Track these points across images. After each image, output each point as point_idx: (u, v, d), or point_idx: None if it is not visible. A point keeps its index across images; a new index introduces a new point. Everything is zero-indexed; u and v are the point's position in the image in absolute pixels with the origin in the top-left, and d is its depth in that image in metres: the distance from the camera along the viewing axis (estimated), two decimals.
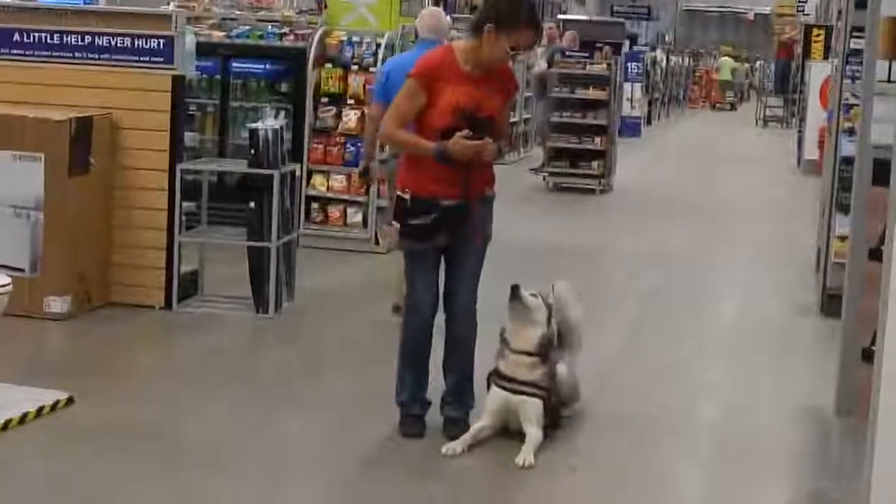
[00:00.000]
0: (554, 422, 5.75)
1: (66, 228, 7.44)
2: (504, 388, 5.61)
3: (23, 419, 5.65)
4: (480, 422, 5.64)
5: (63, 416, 5.81)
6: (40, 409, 5.77)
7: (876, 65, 5.76)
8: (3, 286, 5.77)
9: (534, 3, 5.87)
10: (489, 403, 5.68)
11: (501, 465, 5.49)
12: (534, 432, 5.50)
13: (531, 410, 5.55)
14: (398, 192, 5.70)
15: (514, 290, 5.64)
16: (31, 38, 8.48)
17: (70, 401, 5.90)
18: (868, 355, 5.54)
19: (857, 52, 7.97)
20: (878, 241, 5.51)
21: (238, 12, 12.09)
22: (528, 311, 5.66)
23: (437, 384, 5.87)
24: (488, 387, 5.74)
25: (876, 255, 5.59)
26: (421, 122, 5.57)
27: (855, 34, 8.04)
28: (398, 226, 5.64)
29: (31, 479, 5.17)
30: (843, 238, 7.73)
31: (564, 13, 27.42)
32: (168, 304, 8.04)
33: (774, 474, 5.62)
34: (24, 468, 5.27)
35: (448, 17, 9.41)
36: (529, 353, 5.62)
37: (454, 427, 5.69)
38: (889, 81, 5.60)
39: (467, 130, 5.36)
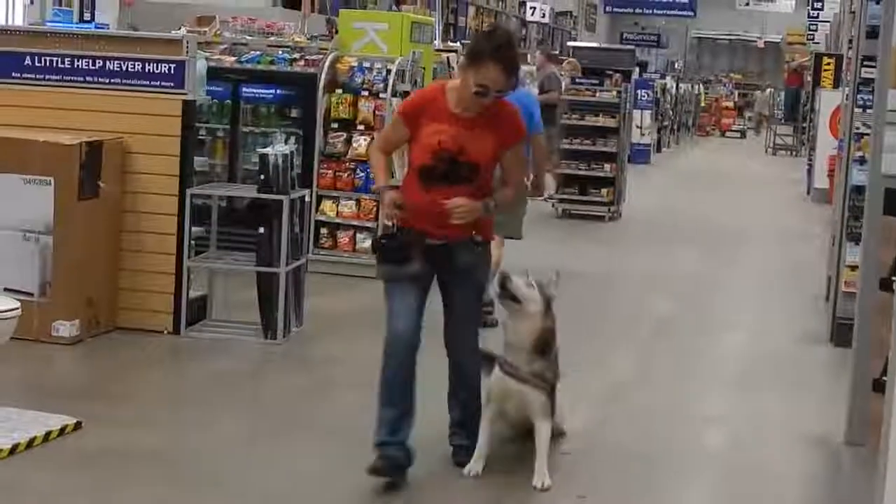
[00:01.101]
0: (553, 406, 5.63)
1: (74, 252, 7.43)
2: (507, 374, 5.47)
3: (30, 443, 5.63)
4: (485, 415, 5.56)
5: (71, 441, 5.80)
6: (48, 434, 5.76)
7: (888, 94, 5.74)
8: (12, 310, 5.78)
9: (508, 38, 5.36)
10: (492, 388, 5.58)
11: (508, 488, 5.51)
12: (544, 428, 5.45)
13: (536, 401, 5.45)
14: (385, 222, 5.62)
15: (504, 282, 5.40)
16: (43, 62, 8.50)
17: (78, 425, 5.89)
18: (879, 385, 5.52)
19: (868, 82, 7.95)
20: (889, 270, 5.49)
21: (249, 38, 12.17)
22: (521, 304, 5.42)
23: (430, 419, 5.74)
24: (489, 372, 5.68)
25: (887, 285, 5.57)
26: (410, 155, 5.43)
27: (866, 63, 8.03)
28: (377, 252, 5.50)
29: (38, 503, 5.17)
30: (853, 267, 7.71)
31: (574, 40, 27.41)
32: (176, 329, 8.03)
33: (784, 502, 5.63)
34: (31, 492, 5.26)
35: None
36: (526, 348, 5.44)
37: (463, 454, 5.59)
38: None
39: (397, 195, 5.25)
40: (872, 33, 7.50)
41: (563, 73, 18.08)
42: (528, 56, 10.93)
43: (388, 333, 5.38)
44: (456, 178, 5.14)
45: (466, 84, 5.16)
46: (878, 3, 7.44)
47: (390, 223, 5.36)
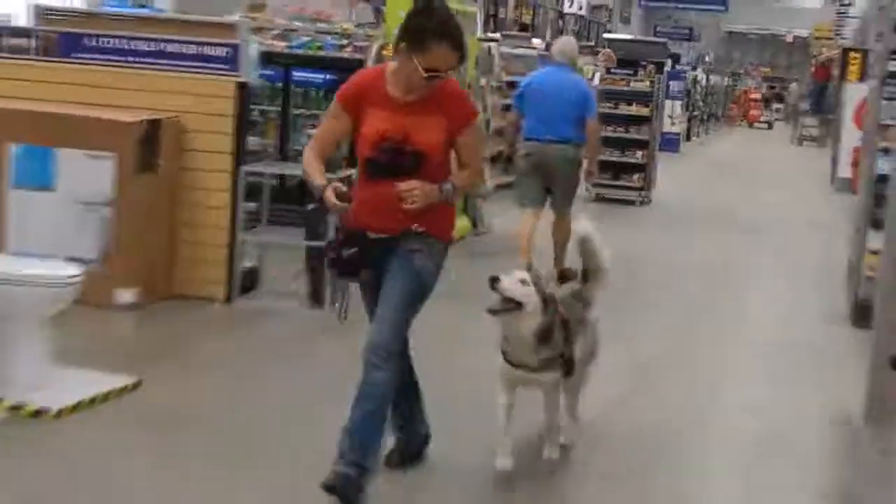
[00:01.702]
0: (570, 370, 5.31)
1: (133, 224, 7.55)
2: (516, 367, 5.06)
3: (92, 401, 5.74)
4: (500, 403, 5.14)
5: (130, 399, 5.91)
6: (108, 393, 5.87)
7: None
8: (75, 277, 5.86)
9: (447, 11, 4.66)
10: (501, 376, 5.15)
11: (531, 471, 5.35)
12: (554, 402, 5.31)
13: (549, 382, 5.17)
14: (336, 225, 4.95)
15: (493, 282, 4.80)
16: (104, 43, 8.59)
17: (136, 385, 6.00)
18: (895, 363, 5.55)
19: (894, 75, 7.94)
20: None
21: (299, 24, 12.21)
22: (518, 306, 4.87)
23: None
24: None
25: None
26: (356, 145, 4.74)
27: (893, 57, 8.00)
28: (330, 255, 4.78)
29: (99, 456, 5.25)
30: (875, 252, 7.72)
31: (610, 32, 27.35)
32: (228, 298, 8.16)
33: (804, 481, 5.63)
34: (92, 447, 5.35)
35: (574, 43, 11.01)
36: (527, 342, 4.97)
37: (336, 485, 4.52)
38: None
39: (338, 185, 4.46)
40: None
41: (598, 63, 18.10)
42: (559, 43, 11.03)
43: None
44: (401, 169, 4.47)
45: (412, 69, 4.46)
46: None
47: (335, 228, 4.85)
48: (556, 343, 5.08)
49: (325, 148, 4.80)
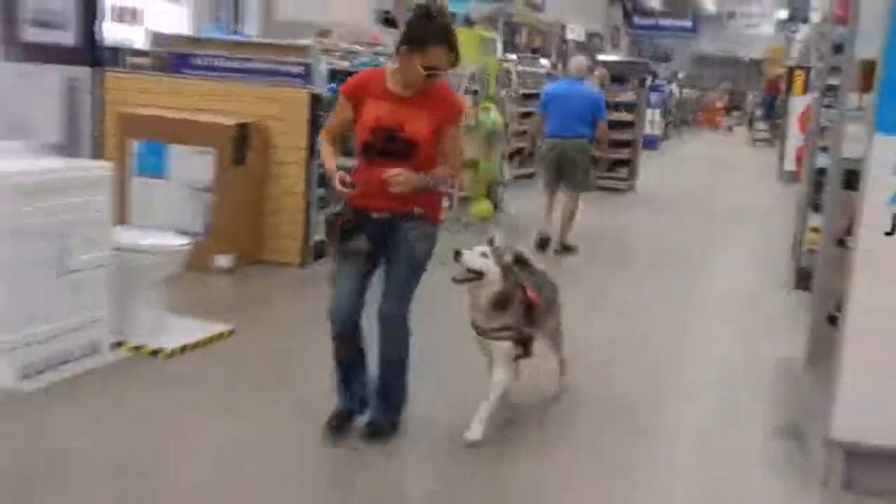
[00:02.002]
0: (527, 352, 4.85)
1: (228, 205, 7.56)
2: (478, 333, 4.66)
3: (196, 344, 5.79)
4: (498, 375, 4.69)
5: (225, 344, 5.95)
6: (209, 338, 5.91)
7: (847, 95, 5.71)
8: (184, 245, 5.90)
9: (445, 20, 4.32)
10: (474, 340, 4.75)
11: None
12: (498, 375, 4.64)
13: (496, 350, 4.64)
14: (338, 202, 4.52)
15: (456, 256, 4.45)
16: (205, 61, 8.63)
17: (230, 333, 6.04)
18: (832, 320, 5.51)
19: (833, 87, 7.87)
20: (843, 233, 5.46)
21: (359, 47, 12.18)
22: (478, 275, 4.50)
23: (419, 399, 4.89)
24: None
25: (841, 243, 5.55)
26: (356, 133, 4.40)
27: (832, 73, 7.95)
28: (326, 229, 4.49)
29: (200, 386, 5.32)
30: (815, 230, 7.67)
31: (603, 54, 27.17)
32: (303, 264, 8.17)
33: (748, 411, 5.57)
34: (195, 381, 5.40)
35: (585, 62, 11.24)
36: (485, 308, 4.56)
37: (369, 433, 4.56)
38: (858, 110, 5.53)
39: (343, 174, 4.20)
40: (838, 49, 7.42)
41: (594, 79, 18.02)
42: (574, 61, 11.23)
43: (330, 301, 4.51)
44: (394, 153, 4.21)
45: (412, 67, 4.17)
46: (843, 25, 7.37)
47: (339, 203, 4.46)
48: (513, 315, 4.61)
49: (334, 135, 4.51)
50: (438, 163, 4.38)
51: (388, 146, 4.21)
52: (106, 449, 4.36)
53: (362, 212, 4.31)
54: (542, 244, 9.87)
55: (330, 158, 4.40)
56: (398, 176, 4.15)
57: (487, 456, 4.55)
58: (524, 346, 4.77)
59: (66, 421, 4.63)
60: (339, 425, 4.56)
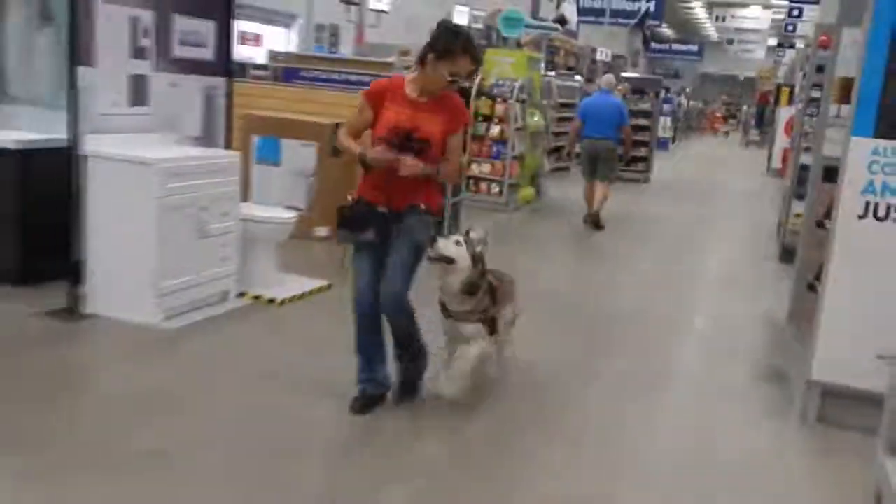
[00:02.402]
0: (494, 329, 4.26)
1: (327, 186, 7.52)
2: (447, 316, 4.11)
3: (303, 295, 5.82)
4: (446, 347, 4.26)
5: (324, 295, 5.97)
6: (312, 290, 5.95)
7: (829, 106, 5.58)
8: (291, 218, 5.94)
9: (468, 34, 3.89)
10: (444, 328, 4.21)
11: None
12: (469, 352, 4.08)
13: (469, 332, 4.09)
14: (349, 196, 4.04)
15: (432, 242, 3.91)
16: (311, 74, 8.67)
17: (329, 286, 6.05)
18: (811, 287, 5.42)
19: (814, 100, 7.72)
20: (822, 216, 5.36)
21: None
22: (450, 261, 3.94)
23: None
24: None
25: (820, 225, 5.44)
26: (373, 134, 3.92)
27: (814, 88, 7.81)
28: (338, 221, 4.00)
29: (308, 327, 5.33)
30: (798, 215, 7.54)
31: (625, 71, 26.72)
32: None
33: (738, 357, 5.50)
34: (303, 322, 5.43)
35: (614, 78, 11.27)
36: (455, 293, 4.02)
37: (404, 391, 4.20)
38: (837, 117, 5.41)
39: (386, 145, 3.79)
40: (820, 69, 7.28)
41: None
42: (605, 78, 11.27)
43: (353, 290, 4.04)
44: (409, 150, 3.80)
45: (437, 74, 3.78)
46: (825, 49, 7.22)
47: (350, 197, 3.99)
48: (480, 301, 4.10)
49: (353, 134, 3.97)
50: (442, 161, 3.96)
51: (405, 144, 3.81)
52: (229, 373, 4.43)
53: (371, 205, 3.89)
54: (589, 222, 10.14)
55: (354, 145, 3.92)
56: (409, 161, 3.75)
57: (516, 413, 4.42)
58: (490, 325, 4.22)
59: (198, 352, 4.71)
60: (363, 407, 4.06)
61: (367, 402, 4.05)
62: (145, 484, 3.19)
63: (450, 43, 3.78)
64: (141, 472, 3.29)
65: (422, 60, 3.82)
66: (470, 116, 3.89)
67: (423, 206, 3.91)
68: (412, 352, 4.15)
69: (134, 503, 3.06)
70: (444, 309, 4.09)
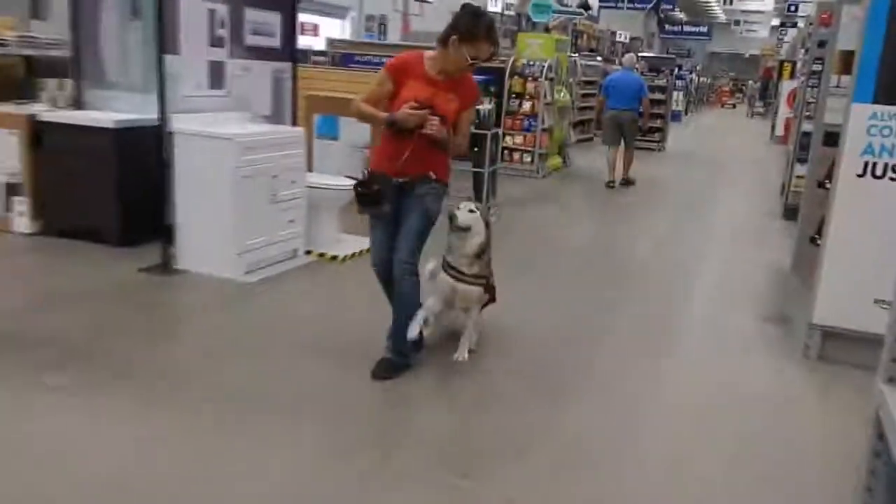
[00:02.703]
0: (493, 297, 4.11)
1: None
2: (452, 276, 3.83)
3: (360, 253, 5.80)
4: (431, 299, 3.87)
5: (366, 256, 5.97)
6: (360, 252, 5.89)
7: (830, 77, 5.41)
8: (347, 186, 5.91)
9: (491, 20, 3.57)
10: (440, 286, 3.89)
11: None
12: (474, 315, 3.93)
13: (472, 296, 3.88)
14: (363, 170, 3.74)
15: (452, 218, 3.72)
16: (364, 59, 8.61)
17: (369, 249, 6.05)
18: (812, 240, 5.31)
19: (815, 73, 7.50)
20: (823, 178, 5.23)
21: None
22: (468, 229, 3.76)
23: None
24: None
25: (820, 185, 5.32)
26: (389, 107, 3.57)
27: (815, 62, 7.58)
28: (356, 194, 3.66)
29: (362, 281, 5.30)
30: (800, 177, 7.38)
31: (642, 51, 26.15)
32: None
33: (747, 302, 5.42)
34: (359, 277, 5.35)
35: (634, 57, 11.59)
36: (469, 256, 3.80)
37: (379, 368, 3.72)
38: (837, 87, 5.24)
39: (414, 103, 3.47)
40: (822, 44, 7.05)
41: (636, 69, 17.51)
42: (626, 57, 11.28)
43: (371, 257, 3.82)
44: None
45: (459, 55, 3.47)
46: (826, 27, 6.98)
47: (362, 172, 3.70)
48: (486, 265, 3.90)
49: (371, 104, 3.63)
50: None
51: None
52: (300, 319, 4.48)
53: (387, 177, 3.58)
54: (610, 185, 10.22)
55: (375, 111, 3.60)
56: (435, 122, 3.47)
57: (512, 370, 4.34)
58: (491, 292, 4.03)
59: (274, 301, 4.77)
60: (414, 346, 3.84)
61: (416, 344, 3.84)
62: (228, 414, 3.27)
63: (474, 26, 3.48)
64: (224, 402, 3.36)
65: (444, 41, 3.51)
66: (479, 91, 3.89)
67: (434, 176, 3.64)
68: (398, 338, 3.72)
69: (222, 428, 3.14)
70: (456, 272, 3.81)
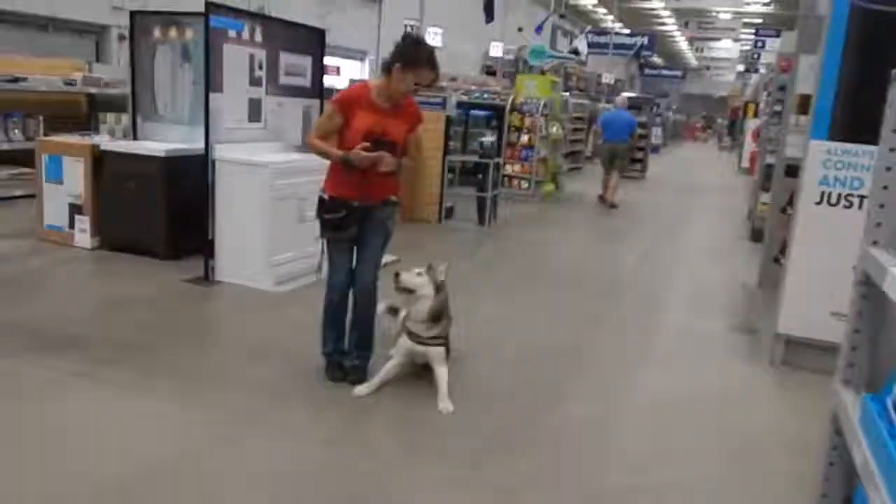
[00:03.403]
0: (448, 350, 3.57)
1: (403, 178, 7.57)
2: (413, 341, 3.47)
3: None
4: (392, 361, 3.55)
5: (395, 266, 5.93)
6: (386, 263, 5.76)
7: (790, 117, 5.44)
8: None
9: (431, 48, 3.35)
10: (400, 349, 3.55)
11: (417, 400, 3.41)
12: (442, 371, 3.47)
13: (435, 356, 3.47)
14: (320, 193, 3.45)
15: (396, 277, 3.44)
16: None
17: (398, 260, 5.97)
18: (776, 260, 5.31)
19: (777, 113, 7.53)
20: (785, 204, 5.24)
21: (474, 87, 12.08)
22: (412, 291, 3.44)
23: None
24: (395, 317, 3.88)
25: (783, 211, 5.33)
26: (341, 138, 3.34)
27: (777, 103, 7.62)
28: (319, 219, 3.45)
29: (385, 294, 5.34)
30: (764, 203, 7.38)
31: (622, 91, 26.31)
32: (439, 220, 8.14)
33: (718, 314, 5.39)
34: (381, 291, 5.44)
35: (625, 98, 11.88)
36: (425, 321, 3.45)
37: (355, 373, 3.57)
38: (796, 125, 5.27)
39: (367, 144, 3.25)
40: (782, 88, 7.09)
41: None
42: (619, 98, 11.50)
43: (330, 280, 3.56)
44: (383, 150, 3.30)
45: (400, 81, 3.27)
46: (785, 73, 7.02)
47: (325, 195, 3.41)
48: (445, 327, 3.52)
49: (322, 138, 3.39)
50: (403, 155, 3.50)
51: (378, 147, 3.29)
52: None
53: (347, 202, 3.37)
54: (602, 199, 10.85)
55: (330, 148, 3.37)
56: (388, 158, 3.31)
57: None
58: (447, 346, 3.58)
59: (300, 310, 4.75)
60: (335, 375, 3.63)
61: (341, 369, 3.63)
62: (257, 403, 3.29)
63: (416, 54, 3.28)
64: (255, 392, 3.38)
65: (388, 69, 3.30)
66: (422, 114, 3.60)
67: (394, 199, 3.51)
68: (368, 341, 3.63)
69: (249, 414, 3.15)
70: (414, 336, 3.47)
